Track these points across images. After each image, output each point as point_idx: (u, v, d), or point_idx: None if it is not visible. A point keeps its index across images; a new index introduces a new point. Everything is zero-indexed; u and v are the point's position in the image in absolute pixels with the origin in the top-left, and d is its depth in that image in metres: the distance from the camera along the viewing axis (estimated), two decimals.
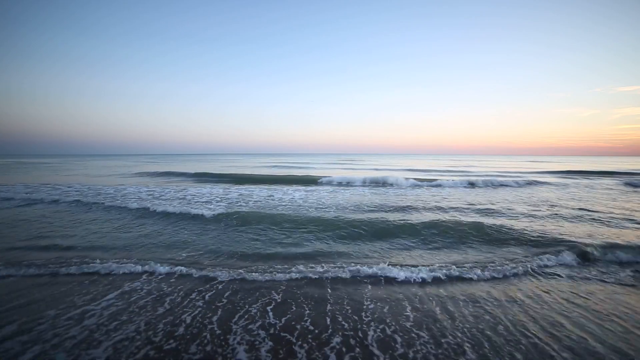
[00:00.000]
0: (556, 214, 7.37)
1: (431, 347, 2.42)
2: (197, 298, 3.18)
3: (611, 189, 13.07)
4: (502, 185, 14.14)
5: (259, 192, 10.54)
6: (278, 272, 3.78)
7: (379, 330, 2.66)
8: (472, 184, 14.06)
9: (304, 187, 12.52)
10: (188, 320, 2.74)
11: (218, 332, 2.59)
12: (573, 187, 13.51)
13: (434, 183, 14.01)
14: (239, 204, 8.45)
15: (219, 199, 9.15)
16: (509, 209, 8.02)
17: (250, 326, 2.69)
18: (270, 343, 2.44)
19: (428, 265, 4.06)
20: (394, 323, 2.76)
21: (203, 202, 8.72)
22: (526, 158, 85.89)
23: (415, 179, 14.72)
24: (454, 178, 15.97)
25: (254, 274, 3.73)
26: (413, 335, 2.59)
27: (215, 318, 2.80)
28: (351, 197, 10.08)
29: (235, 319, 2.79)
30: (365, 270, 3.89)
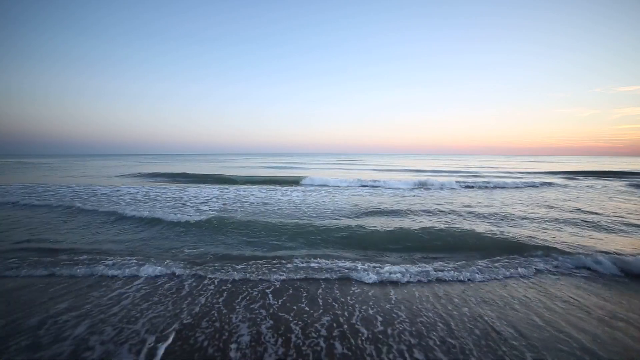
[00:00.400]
0: (552, 218, 7.34)
1: (406, 325, 2.96)
2: (208, 283, 3.75)
3: (618, 190, 12.96)
4: (501, 187, 14.09)
5: (256, 193, 11.10)
6: (273, 270, 4.17)
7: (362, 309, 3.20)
8: (469, 186, 14.08)
9: (302, 188, 12.99)
10: (203, 301, 3.32)
11: (224, 310, 3.14)
12: (579, 189, 13.42)
13: (428, 185, 14.03)
14: (234, 205, 8.90)
15: (215, 200, 9.65)
16: (505, 212, 8.09)
17: (252, 305, 3.25)
18: (271, 321, 2.98)
19: (403, 266, 4.29)
20: (376, 305, 3.29)
21: (198, 202, 9.20)
22: (526, 158, 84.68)
23: (397, 180, 14.92)
24: (453, 179, 16.17)
25: (254, 272, 4.11)
26: (393, 315, 3.11)
27: (221, 299, 3.37)
28: (349, 197, 10.58)
29: (238, 300, 3.37)
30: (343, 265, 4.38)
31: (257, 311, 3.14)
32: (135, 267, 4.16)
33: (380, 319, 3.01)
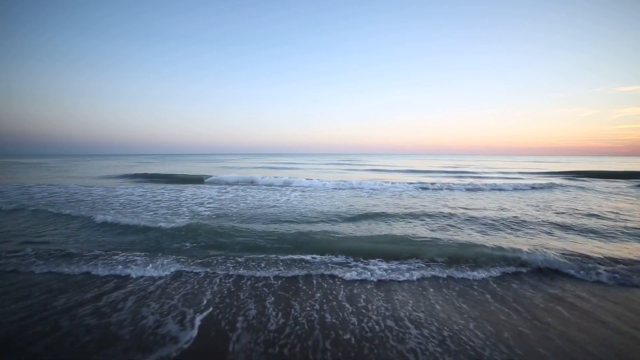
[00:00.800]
0: (547, 222, 7.14)
1: (383, 301, 3.65)
2: (218, 273, 4.52)
3: (623, 192, 12.89)
4: (500, 189, 13.71)
5: (255, 194, 12.41)
6: (271, 262, 4.72)
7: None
8: (472, 189, 13.61)
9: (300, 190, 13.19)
10: (217, 281, 4.12)
11: (233, 289, 3.93)
12: (583, 190, 13.32)
13: (438, 186, 14.05)
14: (230, 205, 9.30)
15: (211, 201, 10.16)
16: (498, 216, 7.68)
17: (256, 284, 4.04)
18: (272, 298, 3.72)
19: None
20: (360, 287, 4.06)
21: (195, 203, 9.79)
22: (527, 158, 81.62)
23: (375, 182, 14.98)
24: (448, 180, 16.58)
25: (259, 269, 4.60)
26: (373, 294, 3.82)
27: (232, 279, 4.16)
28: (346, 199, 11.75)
29: (244, 280, 4.14)
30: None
31: (261, 289, 3.92)
32: (149, 260, 4.72)
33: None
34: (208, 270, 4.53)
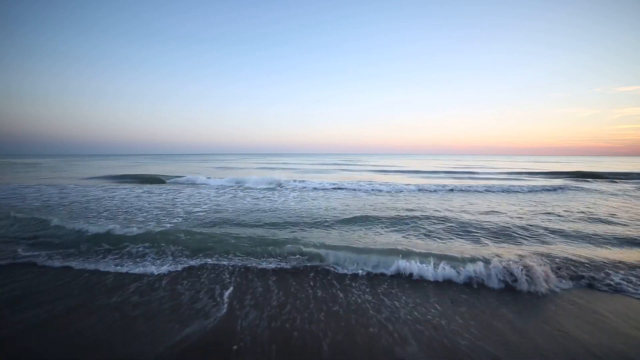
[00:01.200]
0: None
1: (366, 285, 4.45)
2: (227, 265, 5.27)
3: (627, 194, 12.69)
4: (498, 190, 13.41)
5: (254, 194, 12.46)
6: (272, 258, 5.17)
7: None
8: (473, 190, 13.09)
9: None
10: (229, 269, 4.90)
11: (242, 270, 4.69)
12: (586, 192, 13.02)
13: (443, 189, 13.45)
14: (226, 206, 9.44)
15: (208, 202, 10.13)
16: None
17: (260, 268, 4.79)
18: (274, 278, 4.49)
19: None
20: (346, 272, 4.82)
21: (190, 203, 10.02)
22: (526, 158, 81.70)
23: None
24: (454, 182, 16.39)
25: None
26: (357, 275, 4.62)
27: (240, 263, 4.92)
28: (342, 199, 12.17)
29: (250, 267, 4.90)
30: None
31: (265, 270, 4.70)
32: (161, 252, 5.28)
33: None
34: (217, 262, 5.00)
